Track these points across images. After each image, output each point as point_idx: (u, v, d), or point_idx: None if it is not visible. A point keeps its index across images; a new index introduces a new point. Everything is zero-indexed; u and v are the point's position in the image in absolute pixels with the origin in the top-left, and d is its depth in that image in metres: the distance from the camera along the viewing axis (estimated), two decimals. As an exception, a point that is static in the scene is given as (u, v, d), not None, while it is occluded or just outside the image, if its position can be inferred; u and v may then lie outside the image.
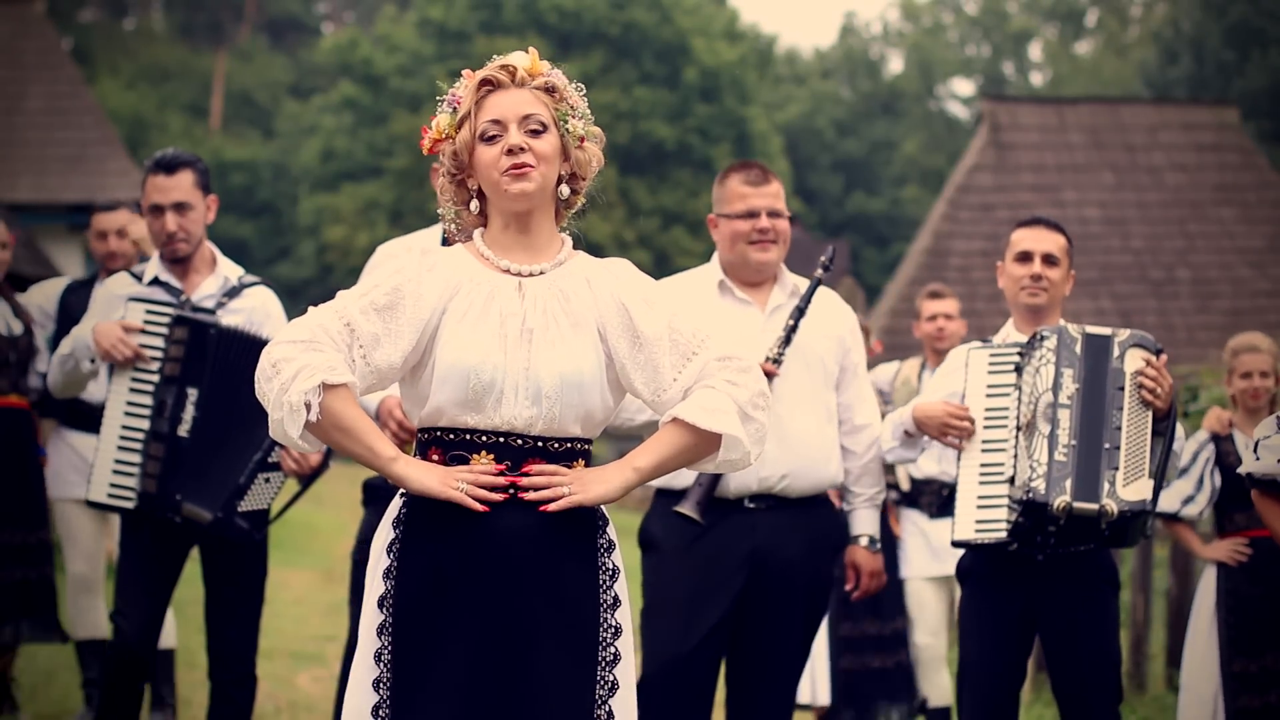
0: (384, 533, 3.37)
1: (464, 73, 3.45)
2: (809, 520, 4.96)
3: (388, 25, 37.76)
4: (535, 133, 3.36)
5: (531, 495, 3.28)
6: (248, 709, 5.46)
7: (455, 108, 3.42)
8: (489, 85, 3.39)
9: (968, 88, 49.67)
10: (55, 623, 6.75)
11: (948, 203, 20.38)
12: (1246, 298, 19.63)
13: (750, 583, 4.90)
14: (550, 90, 3.40)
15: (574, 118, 3.41)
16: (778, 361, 4.91)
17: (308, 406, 3.21)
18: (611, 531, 3.41)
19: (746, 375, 3.37)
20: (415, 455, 3.39)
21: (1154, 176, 20.58)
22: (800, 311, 4.97)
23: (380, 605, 3.31)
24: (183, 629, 7.52)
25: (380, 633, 3.30)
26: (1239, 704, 6.02)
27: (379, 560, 3.35)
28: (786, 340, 4.93)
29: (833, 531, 5.07)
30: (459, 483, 3.27)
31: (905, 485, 7.36)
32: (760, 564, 4.90)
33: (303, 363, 3.23)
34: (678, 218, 34.12)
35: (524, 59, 3.42)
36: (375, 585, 3.34)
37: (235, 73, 45.02)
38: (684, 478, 4.89)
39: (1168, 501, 6.15)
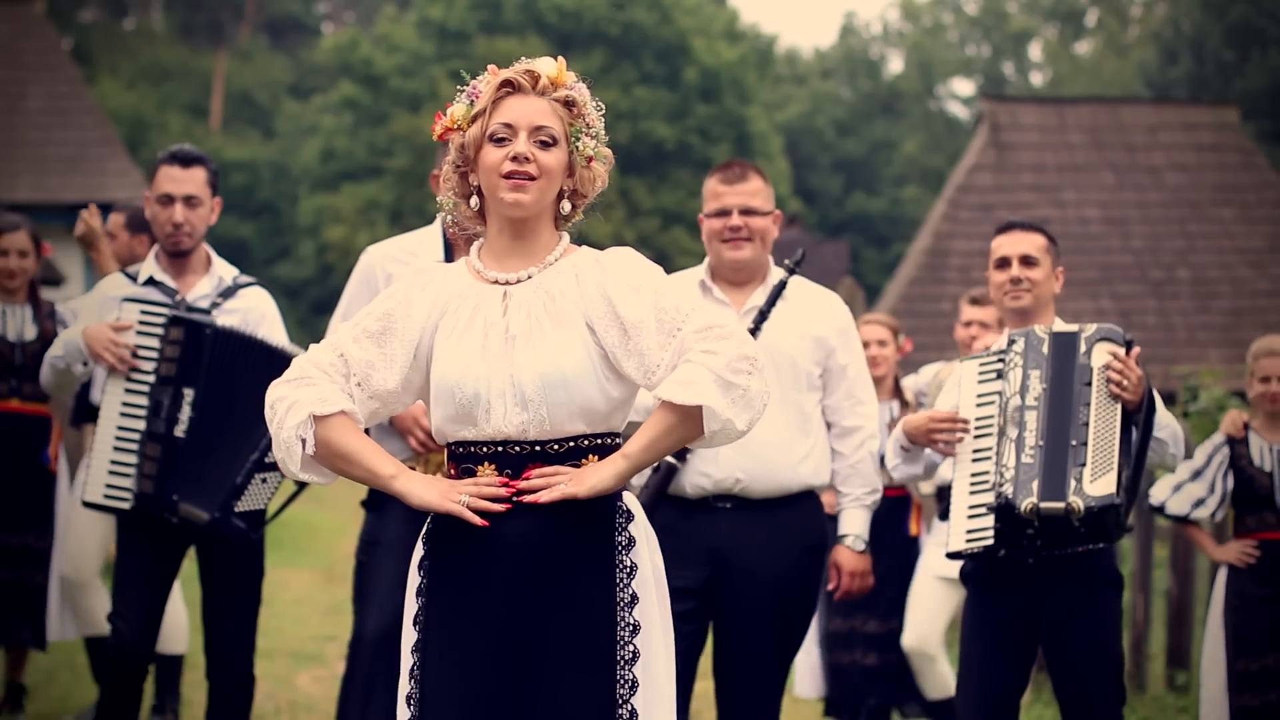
0: (417, 550, 3.41)
1: (490, 68, 3.43)
2: (778, 521, 4.92)
3: (388, 25, 37.75)
4: (544, 144, 3.35)
5: (529, 498, 3.29)
6: (246, 709, 5.46)
7: (473, 100, 3.41)
8: (509, 87, 3.38)
9: (968, 88, 49.71)
10: (40, 628, 6.73)
11: (948, 203, 20.38)
12: (1246, 298, 19.62)
13: (714, 582, 4.89)
14: (569, 104, 3.39)
15: (587, 135, 3.40)
16: None
17: (302, 441, 3.30)
18: (635, 528, 3.38)
19: (726, 342, 3.30)
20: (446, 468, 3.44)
21: (1154, 176, 20.57)
22: (762, 314, 4.96)
23: (414, 623, 3.36)
24: (188, 629, 7.51)
25: (414, 650, 3.35)
26: (1240, 702, 6.06)
27: (413, 579, 3.40)
28: None
29: (808, 533, 5.00)
30: (461, 496, 3.28)
31: (928, 488, 7.33)
32: (722, 562, 4.89)
33: (293, 399, 3.33)
34: (678, 218, 34.12)
35: (550, 67, 3.40)
36: (410, 603, 3.39)
37: (235, 73, 45.01)
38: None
39: (1178, 504, 6.18)
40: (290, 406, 3.31)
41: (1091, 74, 44.32)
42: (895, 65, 49.36)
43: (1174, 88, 34.74)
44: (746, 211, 4.98)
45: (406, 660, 3.36)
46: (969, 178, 20.39)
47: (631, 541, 3.38)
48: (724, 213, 4.99)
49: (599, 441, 3.36)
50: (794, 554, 4.95)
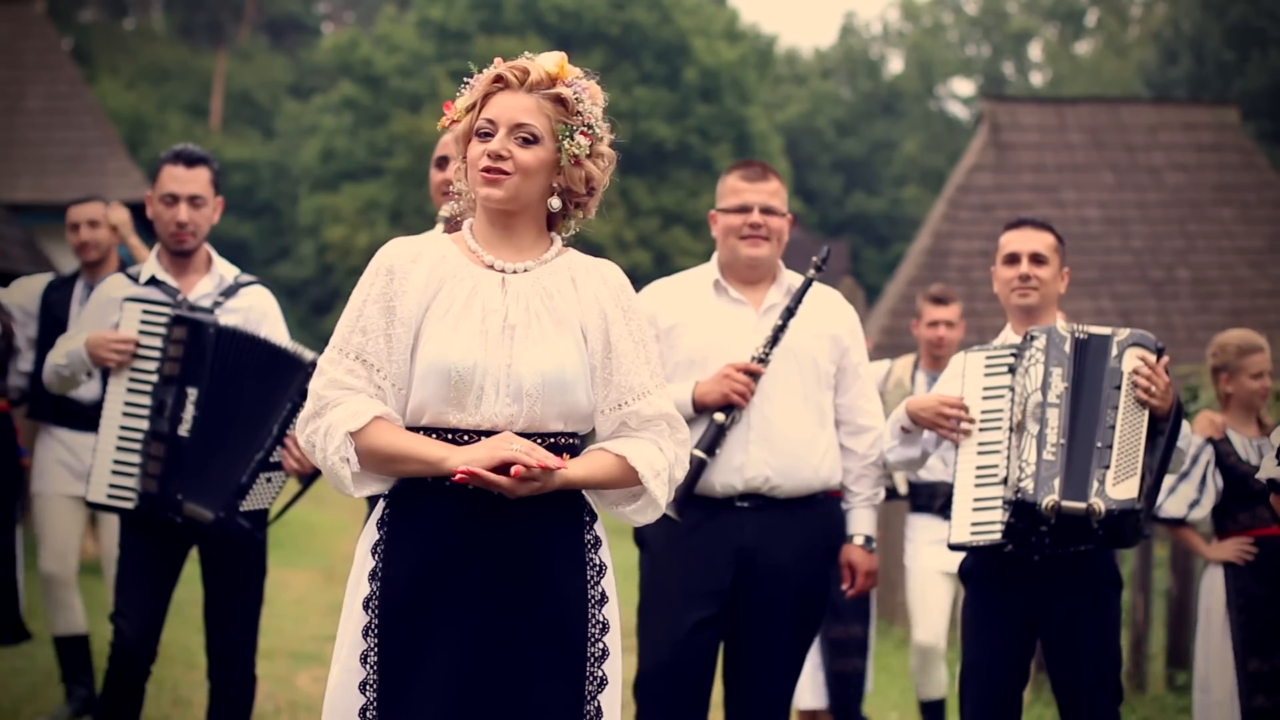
0: (369, 534, 3.38)
1: (496, 60, 3.44)
2: (802, 521, 4.96)
3: (388, 25, 37.72)
4: (525, 141, 3.35)
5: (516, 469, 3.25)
6: (247, 709, 5.46)
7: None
8: (500, 82, 3.39)
9: (968, 88, 49.68)
10: (11, 625, 6.71)
11: (948, 203, 20.37)
12: (1246, 298, 19.61)
13: (739, 582, 4.91)
14: (560, 101, 3.38)
15: (582, 134, 3.38)
16: (764, 360, 4.92)
17: (346, 461, 3.27)
18: (599, 528, 3.43)
19: (685, 450, 3.45)
20: None
21: (1154, 176, 20.57)
22: (790, 311, 4.98)
23: (365, 607, 3.32)
24: (183, 629, 7.53)
25: (366, 634, 3.31)
26: (1254, 704, 6.01)
27: (364, 562, 3.36)
28: (774, 340, 4.94)
29: (830, 533, 5.06)
30: (514, 445, 3.24)
31: (903, 489, 7.33)
32: (748, 563, 4.91)
33: (326, 425, 3.28)
34: (678, 218, 34.09)
35: (551, 63, 3.40)
36: (360, 587, 3.34)
37: (235, 73, 44.99)
38: None
39: (1175, 506, 6.13)
40: (326, 433, 3.28)
41: (1091, 74, 44.30)
42: (895, 65, 49.37)
43: (1174, 88, 34.73)
44: (767, 210, 5.00)
45: (356, 645, 3.30)
46: (969, 178, 20.38)
47: (598, 541, 3.42)
48: (745, 209, 5.00)
49: (571, 440, 3.39)
50: (815, 554, 5.01)
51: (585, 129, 3.39)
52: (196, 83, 44.39)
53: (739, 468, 4.90)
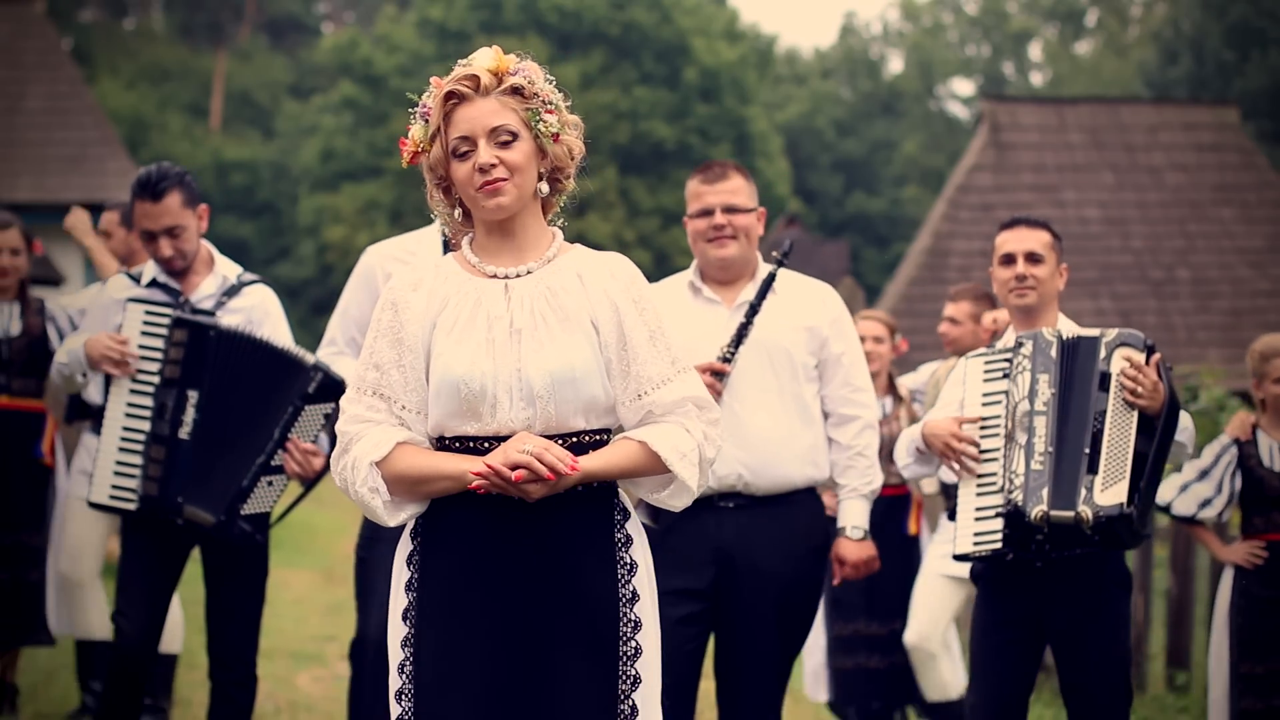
0: (403, 544, 3.41)
1: (432, 80, 3.43)
2: (782, 521, 4.93)
3: (388, 25, 37.72)
4: (506, 143, 3.35)
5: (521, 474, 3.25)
6: (248, 709, 5.46)
7: (427, 119, 3.41)
8: (455, 98, 3.37)
9: (968, 88, 49.68)
10: (40, 625, 6.70)
11: (948, 203, 20.37)
12: (1246, 298, 19.61)
13: (720, 579, 4.90)
14: (517, 92, 3.37)
15: (546, 113, 3.39)
16: (728, 359, 4.91)
17: (376, 491, 3.31)
18: (631, 526, 3.42)
19: (716, 429, 3.42)
20: None
21: (1154, 176, 20.57)
22: (753, 308, 4.97)
23: (404, 618, 3.35)
24: (184, 629, 7.51)
25: (404, 645, 3.34)
26: (1243, 705, 6.02)
27: (401, 573, 3.39)
28: (738, 337, 4.93)
29: (812, 531, 5.00)
30: (526, 447, 3.24)
31: (931, 487, 7.31)
32: (727, 561, 4.89)
33: (352, 458, 3.33)
34: (678, 218, 34.02)
35: (488, 59, 3.39)
36: (398, 598, 3.38)
37: (235, 73, 44.99)
38: None
39: (1184, 504, 6.12)
40: (353, 467, 3.32)
41: (1091, 74, 44.30)
42: (895, 65, 49.37)
43: (1174, 88, 34.72)
44: (729, 209, 5.00)
45: (396, 655, 3.35)
46: (969, 178, 20.38)
47: (629, 539, 3.41)
48: (707, 212, 5.01)
49: (597, 437, 3.38)
50: (799, 553, 4.96)
51: (548, 106, 3.40)
52: (196, 83, 44.37)
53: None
